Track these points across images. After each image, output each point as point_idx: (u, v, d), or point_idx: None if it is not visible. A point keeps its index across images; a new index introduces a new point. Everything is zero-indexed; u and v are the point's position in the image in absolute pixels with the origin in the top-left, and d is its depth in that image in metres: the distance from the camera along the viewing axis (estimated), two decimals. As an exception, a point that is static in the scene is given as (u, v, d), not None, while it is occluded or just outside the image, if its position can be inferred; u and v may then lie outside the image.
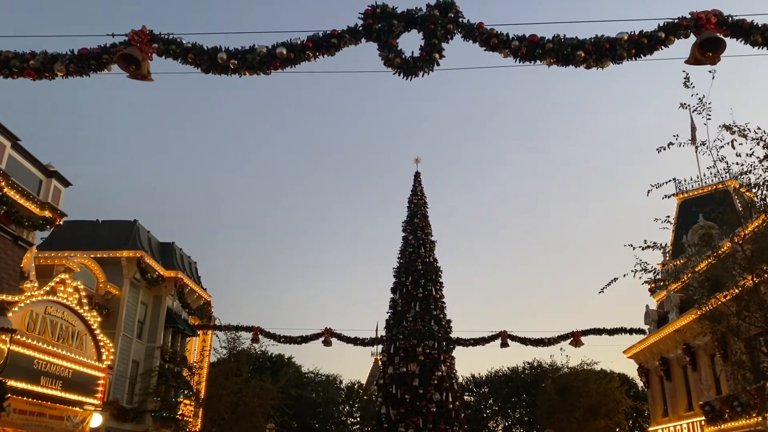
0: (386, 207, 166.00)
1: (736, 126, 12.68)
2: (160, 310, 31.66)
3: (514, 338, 33.52)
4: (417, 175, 41.16)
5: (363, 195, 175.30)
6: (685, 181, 32.21)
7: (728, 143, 12.95)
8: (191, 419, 32.49)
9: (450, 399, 33.27)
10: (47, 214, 21.13)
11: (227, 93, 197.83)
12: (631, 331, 32.72)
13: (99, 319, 20.39)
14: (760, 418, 19.66)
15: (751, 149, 12.83)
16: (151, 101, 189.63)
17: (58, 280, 18.35)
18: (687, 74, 12.83)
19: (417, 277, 36.54)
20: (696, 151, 26.75)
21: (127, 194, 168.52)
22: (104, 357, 20.15)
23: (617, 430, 41.86)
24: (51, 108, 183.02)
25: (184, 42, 8.54)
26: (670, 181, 13.88)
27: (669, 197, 15.70)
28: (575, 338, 32.97)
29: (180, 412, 31.07)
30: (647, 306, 32.66)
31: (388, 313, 36.74)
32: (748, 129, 12.95)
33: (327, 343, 33.72)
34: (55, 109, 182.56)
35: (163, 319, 31.74)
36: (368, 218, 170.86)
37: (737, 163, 13.08)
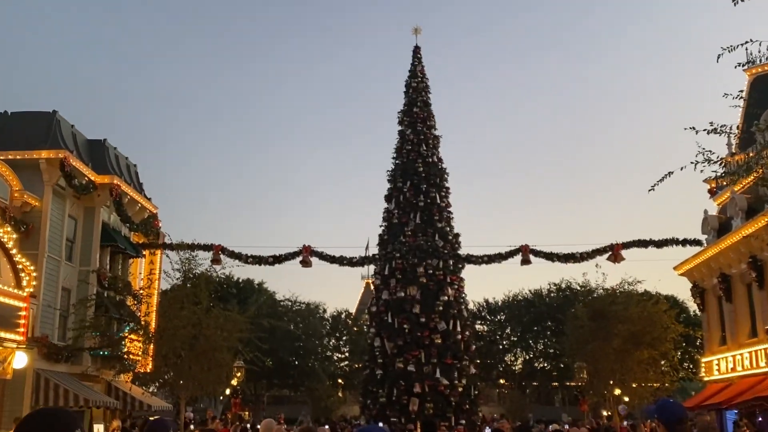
0: (377, 95, 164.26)
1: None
2: (93, 225, 31.56)
3: (538, 253, 33.78)
4: (416, 50, 40.02)
5: (349, 78, 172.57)
6: (760, 50, 31.30)
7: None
8: (140, 357, 33.00)
9: (458, 329, 33.89)
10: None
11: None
12: (685, 242, 32.92)
13: (15, 236, 20.21)
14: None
15: None
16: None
17: (-44, 186, 17.99)
18: None
19: (417, 181, 36.32)
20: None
21: (45, 83, 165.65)
22: (24, 283, 20.13)
23: (663, 362, 43.04)
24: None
25: None
26: (746, 42, 13.15)
27: (742, 66, 15.13)
28: (614, 252, 33.21)
29: (125, 349, 31.50)
30: (706, 211, 32.71)
31: (381, 226, 36.84)
32: None
33: (306, 263, 33.91)
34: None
35: (98, 236, 31.73)
36: (355, 111, 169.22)
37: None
